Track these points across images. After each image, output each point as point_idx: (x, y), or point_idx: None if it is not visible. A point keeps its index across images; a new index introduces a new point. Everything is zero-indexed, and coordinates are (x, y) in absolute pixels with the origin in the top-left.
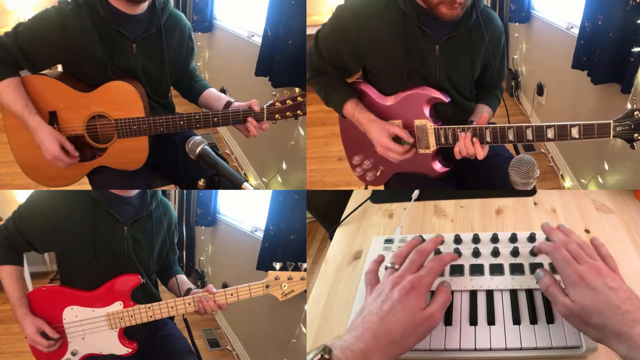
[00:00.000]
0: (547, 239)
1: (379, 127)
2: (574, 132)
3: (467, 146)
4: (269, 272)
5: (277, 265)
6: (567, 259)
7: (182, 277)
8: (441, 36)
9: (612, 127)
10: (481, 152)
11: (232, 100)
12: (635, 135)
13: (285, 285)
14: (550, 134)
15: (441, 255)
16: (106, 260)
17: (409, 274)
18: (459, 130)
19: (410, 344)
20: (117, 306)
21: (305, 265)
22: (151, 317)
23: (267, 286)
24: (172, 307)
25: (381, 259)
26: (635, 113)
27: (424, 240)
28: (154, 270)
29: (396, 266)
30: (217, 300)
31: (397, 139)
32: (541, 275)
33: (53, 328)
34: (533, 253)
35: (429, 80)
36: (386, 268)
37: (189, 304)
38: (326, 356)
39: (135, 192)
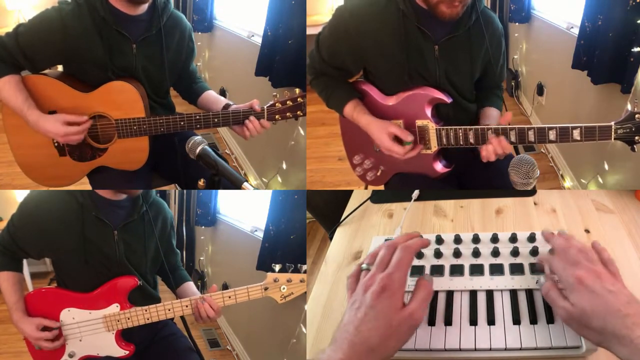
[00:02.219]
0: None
1: (378, 129)
2: (576, 134)
3: (504, 146)
4: (268, 274)
5: (277, 267)
6: (566, 264)
7: (191, 289)
8: (441, 37)
9: (613, 130)
10: (508, 147)
11: (231, 103)
12: (636, 137)
13: (284, 288)
14: (552, 135)
15: (406, 244)
16: (99, 264)
17: (379, 274)
18: (460, 131)
19: (392, 347)
20: (114, 308)
21: (305, 267)
22: (148, 319)
23: (266, 289)
24: (169, 310)
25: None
26: (637, 116)
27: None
28: (150, 273)
29: (370, 267)
30: (212, 304)
31: (398, 138)
32: (543, 281)
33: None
34: (533, 253)
35: (429, 80)
36: (361, 270)
37: (186, 307)
38: None
39: (125, 195)
